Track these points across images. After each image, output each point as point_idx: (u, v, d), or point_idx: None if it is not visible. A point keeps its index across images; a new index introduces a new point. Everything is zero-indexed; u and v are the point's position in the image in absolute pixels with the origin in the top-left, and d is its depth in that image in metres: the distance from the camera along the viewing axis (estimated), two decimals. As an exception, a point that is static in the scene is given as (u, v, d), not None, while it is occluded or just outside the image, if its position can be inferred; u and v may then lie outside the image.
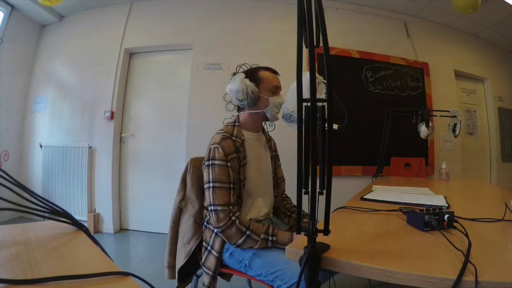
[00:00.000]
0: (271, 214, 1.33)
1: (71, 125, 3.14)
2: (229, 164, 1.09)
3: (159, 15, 3.11)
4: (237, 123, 1.21)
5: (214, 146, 1.11)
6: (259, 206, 1.23)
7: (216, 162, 1.09)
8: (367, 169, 2.88)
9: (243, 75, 1.20)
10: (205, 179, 1.10)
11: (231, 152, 1.12)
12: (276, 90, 1.21)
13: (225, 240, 1.07)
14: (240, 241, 1.04)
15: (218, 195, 1.06)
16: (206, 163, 1.11)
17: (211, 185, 1.07)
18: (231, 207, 1.06)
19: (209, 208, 1.08)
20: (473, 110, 3.76)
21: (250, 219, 1.10)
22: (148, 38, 3.09)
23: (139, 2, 3.17)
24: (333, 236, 0.65)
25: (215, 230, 1.11)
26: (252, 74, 1.22)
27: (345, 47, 3.04)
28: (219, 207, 1.05)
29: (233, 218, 1.04)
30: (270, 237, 1.04)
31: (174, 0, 3.12)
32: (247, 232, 1.04)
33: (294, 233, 1.04)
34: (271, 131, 2.72)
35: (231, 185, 1.09)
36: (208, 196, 1.08)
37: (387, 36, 3.24)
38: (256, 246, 1.04)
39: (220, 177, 1.07)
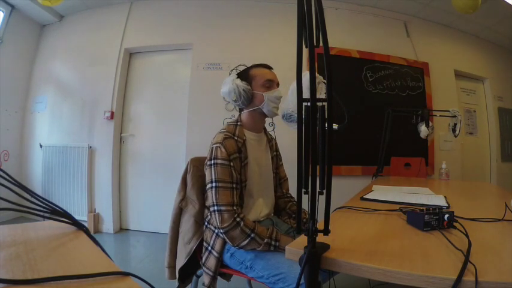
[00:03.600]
0: (272, 214, 1.32)
1: (71, 125, 3.14)
2: (232, 164, 1.09)
3: (159, 15, 3.11)
4: (239, 123, 1.20)
5: (216, 145, 1.10)
6: (260, 207, 1.23)
7: (219, 161, 1.08)
8: (367, 169, 2.88)
9: (235, 76, 1.20)
10: (208, 179, 1.09)
11: (234, 151, 1.11)
12: (270, 84, 1.20)
13: (228, 241, 1.05)
14: (244, 243, 1.03)
15: (221, 195, 1.05)
16: (208, 163, 1.10)
17: (214, 185, 1.06)
18: (235, 208, 1.05)
19: (212, 208, 1.07)
20: (473, 110, 3.76)
21: (254, 221, 1.10)
22: (148, 38, 3.09)
23: (139, 2, 3.17)
24: (333, 236, 0.65)
25: (216, 231, 1.11)
26: (243, 73, 1.22)
27: (345, 47, 3.04)
28: (223, 208, 1.04)
29: (238, 219, 1.04)
30: (273, 242, 1.04)
31: (174, 0, 3.12)
32: (252, 235, 1.03)
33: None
34: (271, 131, 2.72)
35: (234, 185, 1.08)
36: (211, 196, 1.07)
37: (387, 36, 3.24)
38: (259, 249, 1.03)
39: (223, 177, 1.06)
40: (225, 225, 1.03)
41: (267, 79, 1.20)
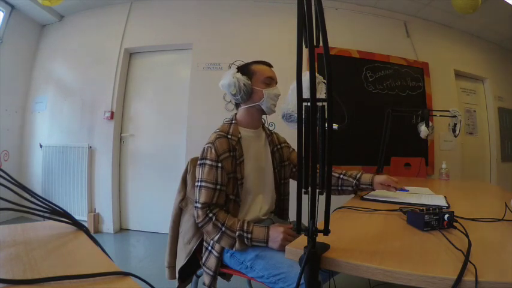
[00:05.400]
0: (273, 214, 1.32)
1: (71, 125, 3.14)
2: (219, 165, 1.09)
3: (159, 15, 3.11)
4: (233, 121, 1.21)
5: (208, 145, 1.12)
6: (259, 203, 1.23)
7: (207, 162, 1.10)
8: (367, 169, 2.88)
9: (235, 70, 1.20)
10: (196, 177, 1.13)
11: (224, 151, 1.11)
12: (270, 81, 1.20)
13: (206, 235, 1.10)
14: (216, 237, 1.05)
15: (202, 194, 1.07)
16: (199, 162, 1.13)
17: (199, 184, 1.10)
18: (211, 206, 1.08)
19: (194, 205, 1.10)
20: (473, 110, 3.76)
21: (228, 213, 1.10)
22: (148, 38, 3.09)
23: (140, 2, 3.17)
24: (333, 236, 0.65)
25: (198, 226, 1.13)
26: (244, 68, 1.22)
27: (345, 47, 3.04)
28: (200, 205, 1.07)
29: (210, 214, 1.06)
30: (245, 234, 1.03)
31: (174, 0, 3.12)
32: (223, 228, 1.04)
33: (271, 229, 1.04)
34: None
35: (218, 187, 1.09)
36: (196, 193, 1.10)
37: (387, 36, 3.24)
38: (237, 246, 1.04)
39: (207, 178, 1.08)
40: (199, 220, 1.07)
41: (267, 76, 1.20)
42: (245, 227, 1.04)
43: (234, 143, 1.14)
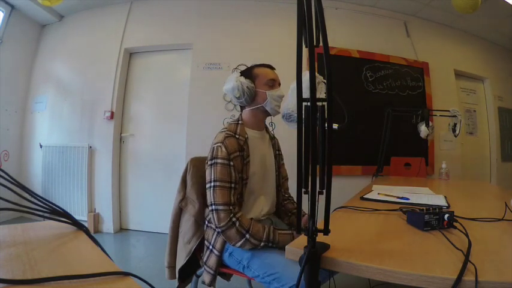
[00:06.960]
0: (272, 214, 1.32)
1: (71, 125, 3.14)
2: (231, 163, 1.09)
3: (159, 15, 3.11)
4: (240, 122, 1.21)
5: (217, 145, 1.11)
6: (261, 205, 1.23)
7: (219, 161, 1.08)
8: (367, 169, 2.88)
9: (238, 73, 1.21)
10: (208, 178, 1.10)
11: (234, 150, 1.11)
12: (273, 83, 1.21)
13: (226, 240, 1.07)
14: (239, 244, 1.03)
15: (219, 195, 1.05)
16: (209, 162, 1.10)
17: (212, 184, 1.07)
18: (231, 208, 1.05)
19: (210, 208, 1.07)
20: (473, 110, 3.76)
21: (251, 219, 1.10)
22: (148, 38, 3.09)
23: (139, 2, 3.17)
24: (333, 236, 0.65)
25: (217, 229, 1.11)
26: (247, 71, 1.24)
27: (345, 47, 3.04)
28: (220, 207, 1.04)
29: (233, 219, 1.03)
30: (270, 244, 1.04)
31: (174, 0, 3.12)
32: (247, 235, 1.03)
33: (295, 234, 1.04)
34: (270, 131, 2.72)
35: (233, 185, 1.08)
36: (209, 195, 1.07)
37: (387, 36, 3.24)
38: (259, 248, 1.04)
39: (222, 176, 1.07)
40: (222, 224, 1.03)
41: (270, 78, 1.21)
42: (271, 237, 1.04)
43: (242, 143, 1.15)
